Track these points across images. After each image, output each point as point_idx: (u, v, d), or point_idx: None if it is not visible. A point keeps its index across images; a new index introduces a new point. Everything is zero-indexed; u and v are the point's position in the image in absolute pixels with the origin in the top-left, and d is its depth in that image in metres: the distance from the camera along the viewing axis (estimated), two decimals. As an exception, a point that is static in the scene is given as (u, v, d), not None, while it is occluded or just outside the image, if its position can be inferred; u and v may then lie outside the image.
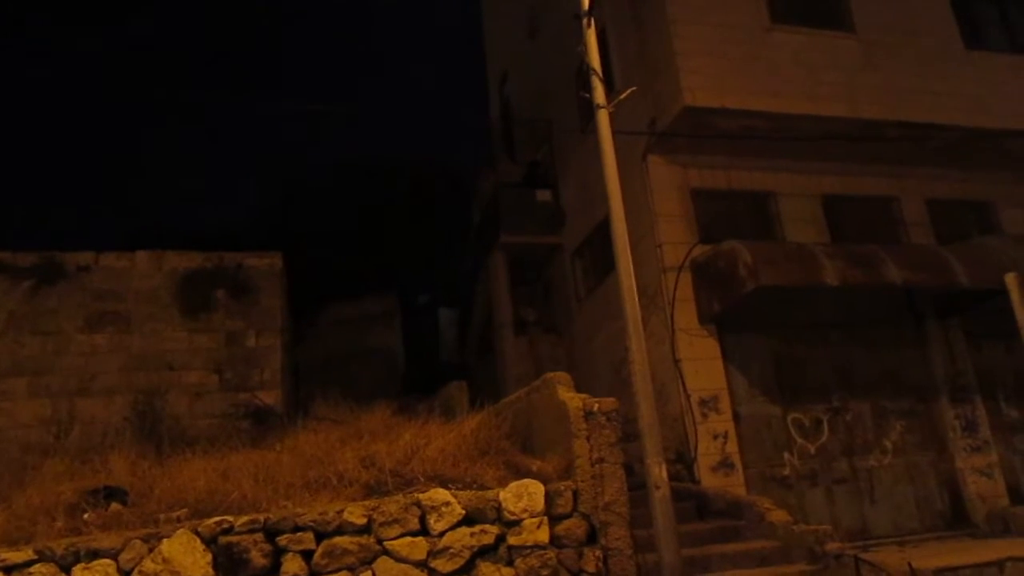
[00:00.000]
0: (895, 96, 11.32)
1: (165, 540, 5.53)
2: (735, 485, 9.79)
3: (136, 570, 5.44)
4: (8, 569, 5.34)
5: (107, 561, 5.45)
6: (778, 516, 8.17)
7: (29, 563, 5.37)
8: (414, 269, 22.26)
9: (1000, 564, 7.65)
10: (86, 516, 6.06)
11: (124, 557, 5.47)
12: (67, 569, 5.39)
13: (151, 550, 5.50)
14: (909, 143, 11.41)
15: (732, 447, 10.08)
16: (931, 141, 11.50)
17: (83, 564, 5.41)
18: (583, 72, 7.98)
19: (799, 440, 10.53)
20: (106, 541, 5.54)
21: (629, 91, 7.85)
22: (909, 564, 7.21)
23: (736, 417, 10.29)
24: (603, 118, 7.42)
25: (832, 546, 7.52)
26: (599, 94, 7.53)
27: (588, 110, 8.55)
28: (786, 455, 10.41)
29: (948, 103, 11.49)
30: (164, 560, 5.46)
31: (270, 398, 11.19)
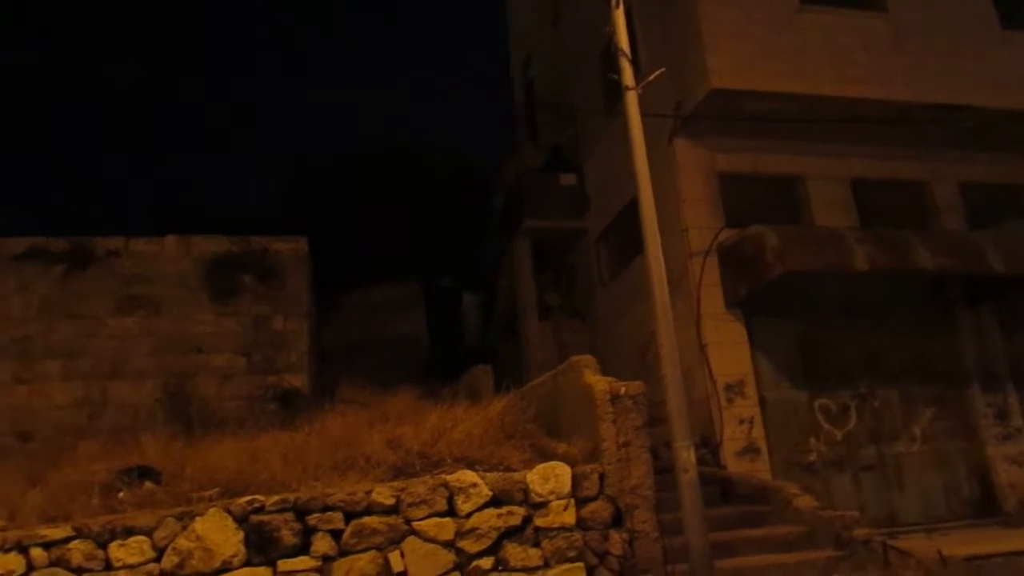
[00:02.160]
0: (927, 77, 11.11)
1: (198, 518, 5.62)
2: (760, 470, 9.76)
3: (170, 547, 5.54)
4: (48, 545, 5.46)
5: (142, 538, 5.56)
6: (804, 502, 8.13)
7: (67, 540, 5.49)
8: (438, 254, 22.30)
9: (1032, 552, 7.56)
10: (121, 495, 6.17)
11: (158, 534, 5.57)
12: (104, 546, 5.51)
13: (184, 528, 5.60)
14: (942, 125, 11.21)
15: (758, 432, 10.04)
16: (964, 123, 11.30)
17: (119, 541, 5.52)
18: (609, 54, 7.92)
19: (826, 426, 10.46)
20: (141, 519, 5.64)
21: (658, 72, 7.76)
22: (939, 551, 7.15)
23: (762, 402, 10.23)
24: (631, 100, 7.37)
25: (860, 532, 7.48)
26: (627, 75, 7.47)
27: (613, 93, 8.51)
28: (812, 441, 10.35)
29: (983, 84, 11.26)
30: (197, 538, 5.56)
31: (297, 381, 11.29)
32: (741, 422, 10.01)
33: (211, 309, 11.47)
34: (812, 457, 10.26)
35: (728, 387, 10.11)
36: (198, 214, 19.17)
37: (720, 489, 9.05)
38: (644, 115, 7.57)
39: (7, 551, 5.43)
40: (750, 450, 9.92)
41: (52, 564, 5.44)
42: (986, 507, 10.53)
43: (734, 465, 9.75)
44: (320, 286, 14.02)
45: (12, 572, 5.38)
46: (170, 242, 11.73)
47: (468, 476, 6.13)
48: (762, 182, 11.32)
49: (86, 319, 11.07)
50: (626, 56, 7.51)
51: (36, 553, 5.45)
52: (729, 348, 10.30)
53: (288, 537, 5.68)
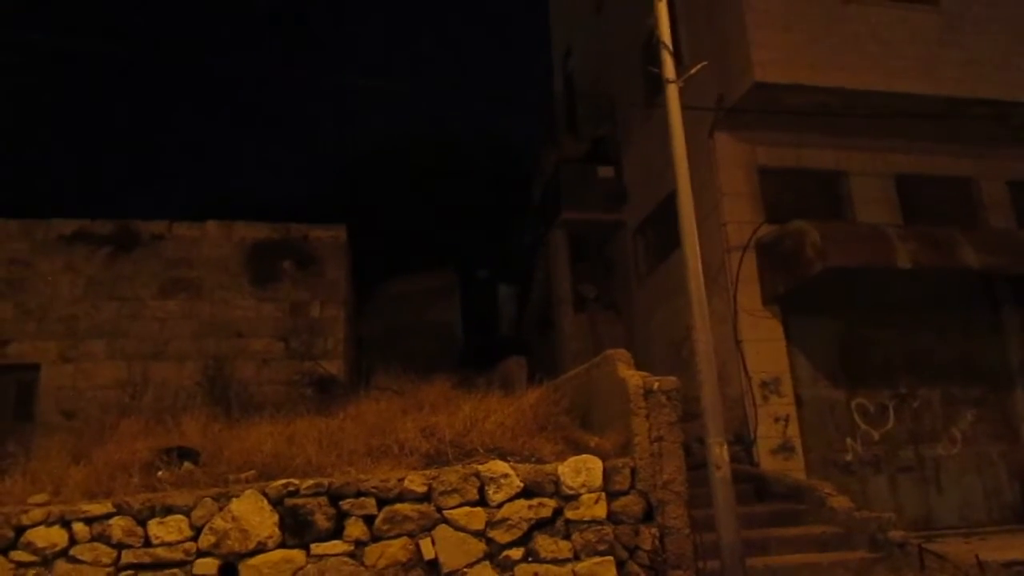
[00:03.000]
0: (978, 72, 10.84)
1: (235, 500, 5.72)
2: (795, 469, 9.66)
3: (207, 527, 5.66)
4: (89, 521, 5.61)
5: (180, 517, 5.67)
6: (840, 502, 8.06)
7: (108, 516, 5.64)
8: (474, 244, 22.35)
9: (1074, 560, 7.38)
10: (160, 474, 6.31)
11: (196, 514, 5.69)
12: (143, 523, 5.64)
13: (221, 508, 5.70)
14: (991, 121, 10.95)
15: (793, 430, 9.94)
16: (1015, 120, 11.00)
17: (158, 519, 5.65)
18: (651, 45, 7.85)
19: (863, 426, 10.32)
20: (179, 498, 5.77)
21: (700, 66, 7.67)
22: (976, 556, 7.01)
23: (798, 400, 10.12)
24: (672, 93, 7.30)
25: (895, 534, 7.38)
26: (669, 68, 7.40)
27: (654, 85, 8.42)
28: (849, 441, 10.22)
29: (1036, 80, 10.95)
30: (234, 519, 5.66)
31: (333, 367, 11.45)
32: (776, 420, 9.91)
33: (251, 294, 11.68)
34: (848, 457, 10.13)
35: (764, 384, 10.01)
36: (240, 200, 19.46)
37: (754, 487, 8.99)
38: (685, 108, 7.50)
39: (51, 525, 5.60)
40: (785, 448, 9.82)
41: (93, 539, 5.59)
42: (1028, 512, 10.32)
43: (768, 463, 9.66)
44: (358, 274, 14.15)
45: (56, 545, 5.55)
46: (212, 227, 11.95)
47: (500, 466, 6.14)
48: (803, 177, 11.15)
49: (130, 300, 11.35)
50: (668, 49, 7.44)
51: (78, 528, 5.60)
52: (766, 345, 10.19)
53: (322, 521, 5.76)
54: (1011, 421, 10.70)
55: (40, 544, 5.54)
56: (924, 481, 10.23)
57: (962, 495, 10.28)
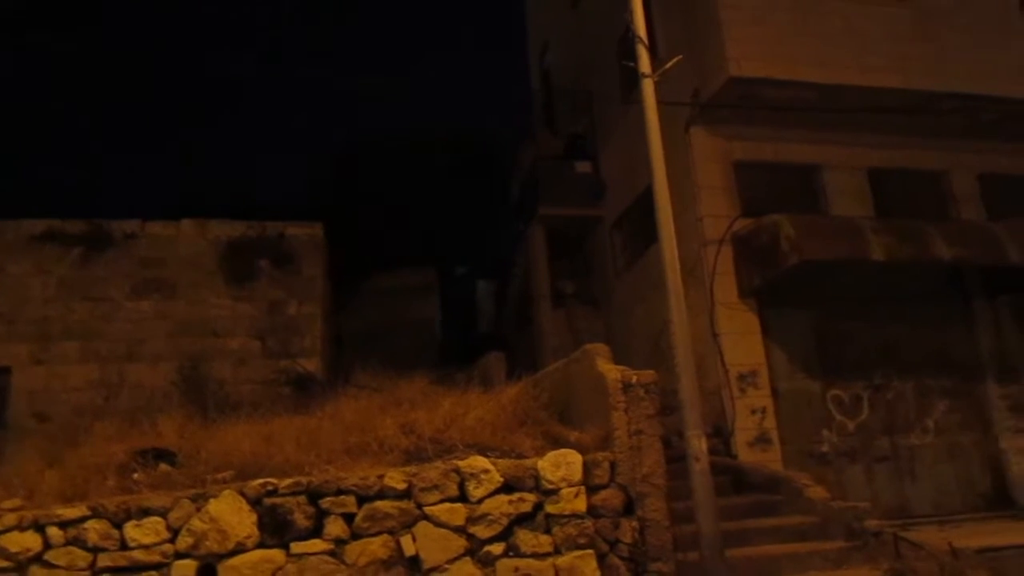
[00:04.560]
0: (949, 67, 10.97)
1: (212, 500, 5.66)
2: (772, 460, 9.75)
3: (185, 528, 5.60)
4: (64, 524, 5.53)
5: (157, 519, 5.61)
6: (816, 492, 8.14)
7: (83, 519, 5.56)
8: (453, 241, 22.30)
9: (1045, 546, 7.52)
10: (136, 476, 6.23)
11: (173, 516, 5.63)
12: (119, 526, 5.57)
13: (199, 509, 5.64)
14: (961, 115, 11.08)
15: (770, 422, 10.02)
16: (985, 113, 11.16)
17: (134, 521, 5.58)
18: (627, 41, 7.86)
19: (838, 417, 10.43)
20: (156, 500, 5.70)
21: (675, 60, 7.69)
22: (950, 543, 7.13)
23: (775, 392, 10.21)
24: (648, 88, 7.32)
25: (871, 523, 7.47)
26: (644, 63, 7.42)
27: (630, 80, 8.43)
28: (825, 432, 10.33)
29: (1004, 74, 11.10)
30: (211, 519, 5.61)
31: (311, 365, 11.37)
32: (753, 412, 9.99)
33: (227, 293, 11.57)
34: (824, 448, 10.23)
35: (741, 377, 10.09)
36: (216, 198, 19.24)
37: (732, 479, 9.05)
38: (661, 103, 7.53)
39: (24, 530, 5.51)
40: (762, 440, 9.91)
41: (68, 543, 5.51)
42: (999, 500, 10.49)
43: (746, 455, 9.74)
44: (338, 271, 14.06)
45: (30, 550, 5.47)
46: (186, 226, 11.82)
47: (480, 462, 6.14)
48: (779, 171, 11.24)
49: (103, 301, 11.20)
50: (643, 43, 7.46)
51: (53, 532, 5.52)
52: (742, 337, 10.27)
53: (301, 520, 5.72)
54: (983, 411, 10.87)
55: (14, 549, 5.45)
56: (899, 471, 10.37)
57: (936, 484, 10.43)
